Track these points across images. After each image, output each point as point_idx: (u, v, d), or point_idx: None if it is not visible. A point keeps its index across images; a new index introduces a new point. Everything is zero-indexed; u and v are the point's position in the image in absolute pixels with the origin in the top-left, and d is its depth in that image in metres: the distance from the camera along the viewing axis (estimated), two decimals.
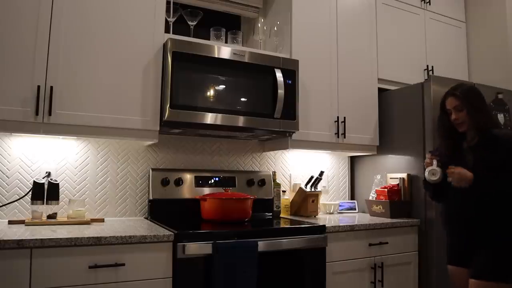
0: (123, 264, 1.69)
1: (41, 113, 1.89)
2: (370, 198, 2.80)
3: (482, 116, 1.87)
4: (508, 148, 1.79)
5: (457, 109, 1.89)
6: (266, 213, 2.67)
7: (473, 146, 1.89)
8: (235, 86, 2.28)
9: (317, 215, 2.69)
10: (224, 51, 2.26)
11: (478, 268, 1.79)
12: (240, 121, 2.26)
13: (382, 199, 2.66)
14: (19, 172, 2.15)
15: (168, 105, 2.08)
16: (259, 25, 2.72)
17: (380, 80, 2.92)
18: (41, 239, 1.56)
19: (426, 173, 1.90)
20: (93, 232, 1.76)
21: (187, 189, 2.45)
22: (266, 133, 2.44)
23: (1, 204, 2.09)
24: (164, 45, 2.18)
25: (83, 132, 2.00)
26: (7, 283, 1.51)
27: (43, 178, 2.13)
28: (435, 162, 1.90)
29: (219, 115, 2.20)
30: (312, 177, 2.72)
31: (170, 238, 1.78)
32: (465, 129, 1.90)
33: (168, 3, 2.30)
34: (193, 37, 2.40)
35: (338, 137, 2.70)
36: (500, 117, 2.71)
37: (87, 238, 1.64)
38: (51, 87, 1.91)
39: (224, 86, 2.26)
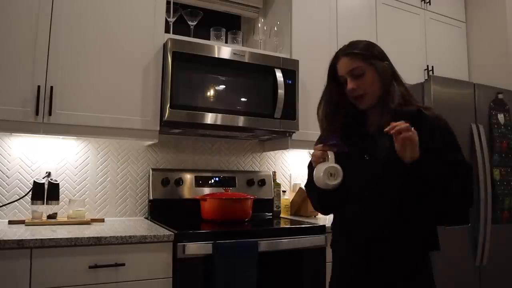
0: (123, 264, 1.69)
1: (41, 113, 1.89)
2: None
3: (396, 83, 1.28)
4: (446, 142, 1.21)
5: (355, 74, 1.26)
6: (266, 213, 2.67)
7: (381, 130, 1.18)
8: (235, 86, 2.28)
9: (317, 215, 2.69)
10: (224, 51, 2.26)
11: None
12: (240, 121, 2.26)
13: None
14: (19, 172, 2.15)
15: (168, 105, 2.08)
16: (259, 25, 2.72)
17: None
18: (41, 239, 1.56)
19: (321, 174, 1.18)
20: (93, 232, 1.76)
21: (187, 189, 2.45)
22: (266, 133, 2.44)
23: (1, 204, 2.09)
24: (164, 45, 2.18)
25: (83, 132, 2.00)
26: (7, 283, 1.51)
27: (43, 178, 2.13)
28: (331, 155, 1.20)
29: (219, 115, 2.20)
30: None
31: (170, 238, 1.78)
32: (369, 104, 1.27)
33: (168, 3, 2.30)
34: (193, 37, 2.40)
35: None
36: (500, 117, 2.71)
37: (87, 238, 1.64)
38: (51, 87, 1.91)
39: (224, 86, 2.26)
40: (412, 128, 1.10)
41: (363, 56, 1.27)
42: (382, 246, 1.21)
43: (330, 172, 1.18)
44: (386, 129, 1.10)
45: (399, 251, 1.20)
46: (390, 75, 1.28)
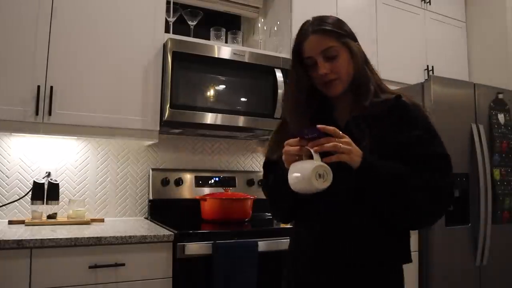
0: (123, 264, 1.69)
1: (41, 113, 1.89)
2: None
3: (368, 67, 1.13)
4: (426, 132, 1.07)
5: (328, 56, 1.07)
6: (266, 213, 2.67)
7: (357, 120, 1.07)
8: (235, 86, 2.28)
9: None
10: (224, 51, 2.26)
11: None
12: (240, 121, 2.26)
13: None
14: (19, 172, 2.15)
15: (168, 105, 2.08)
16: (259, 25, 2.72)
17: None
18: (41, 239, 1.56)
19: (306, 176, 0.93)
20: (93, 232, 1.76)
21: (187, 189, 2.45)
22: (266, 133, 2.44)
23: (1, 204, 2.09)
24: (164, 45, 2.18)
25: (83, 132, 2.00)
26: (7, 283, 1.51)
27: (43, 178, 2.13)
28: (315, 153, 0.96)
29: (219, 115, 2.20)
30: None
31: (170, 238, 1.78)
32: (340, 91, 1.10)
33: (168, 3, 2.30)
34: (193, 37, 2.40)
35: None
36: (500, 117, 2.71)
37: (87, 238, 1.64)
38: (51, 87, 1.91)
39: (224, 86, 2.26)
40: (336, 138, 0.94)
41: (337, 34, 1.08)
42: (357, 272, 1.05)
43: (319, 173, 0.94)
44: (315, 148, 0.94)
45: (374, 274, 1.05)
46: (363, 59, 1.12)
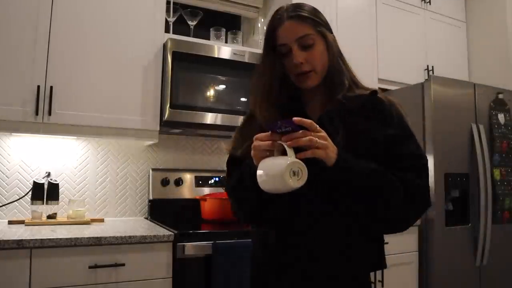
0: (123, 264, 1.69)
1: (41, 113, 1.89)
2: None
3: (342, 61, 1.07)
4: (401, 130, 1.02)
5: (304, 45, 1.00)
6: None
7: (330, 115, 1.01)
8: (235, 86, 2.28)
9: None
10: (224, 51, 2.26)
11: None
12: (240, 121, 2.24)
13: None
14: (19, 172, 2.15)
15: (168, 105, 2.08)
16: (259, 25, 2.71)
17: (380, 80, 2.91)
18: (41, 239, 1.56)
19: (280, 173, 0.84)
20: (93, 232, 1.76)
21: (187, 189, 2.45)
22: None
23: (1, 204, 2.09)
24: (164, 45, 2.18)
25: (83, 132, 2.00)
26: (7, 283, 1.51)
27: (43, 178, 2.13)
28: (289, 148, 0.87)
29: (219, 115, 2.20)
30: None
31: (170, 238, 1.78)
32: (314, 84, 1.04)
33: (168, 3, 2.30)
34: (193, 37, 2.40)
35: None
36: (500, 117, 2.71)
37: (87, 238, 1.64)
38: (51, 87, 1.91)
39: (224, 86, 2.26)
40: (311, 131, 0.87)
41: (314, 22, 1.01)
42: (332, 283, 0.99)
43: (293, 170, 0.84)
44: (288, 142, 0.86)
45: (349, 284, 1.02)
46: (338, 51, 1.06)
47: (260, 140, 0.90)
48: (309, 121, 0.86)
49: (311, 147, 0.86)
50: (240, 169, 1.02)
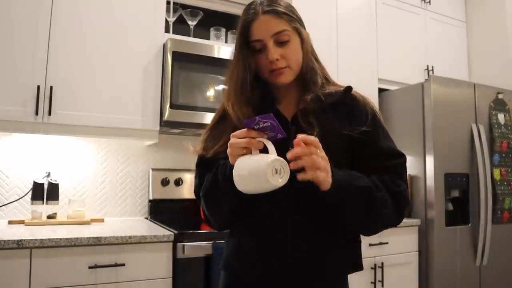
0: (123, 264, 1.69)
1: (41, 113, 1.89)
2: None
3: (314, 59, 1.06)
4: (376, 127, 1.02)
5: (280, 41, 0.97)
6: None
7: (304, 112, 0.99)
8: None
9: None
10: (224, 51, 2.26)
11: None
12: None
13: None
14: (19, 172, 2.15)
15: (168, 105, 2.08)
16: None
17: (380, 80, 2.92)
18: (41, 239, 1.56)
19: (261, 172, 0.80)
20: (93, 232, 1.76)
21: (187, 189, 2.44)
22: None
23: (1, 204, 2.09)
24: (164, 45, 2.18)
25: (83, 132, 2.00)
26: (7, 283, 1.51)
27: (43, 178, 2.13)
28: (270, 144, 0.84)
29: None
30: None
31: (170, 238, 1.78)
32: (287, 82, 1.01)
33: (168, 3, 2.30)
34: (193, 37, 2.40)
35: None
36: (500, 117, 2.71)
37: (87, 238, 1.64)
38: (51, 87, 1.91)
39: (224, 86, 2.26)
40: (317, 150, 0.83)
41: (289, 18, 0.99)
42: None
43: (276, 168, 0.80)
44: (289, 155, 0.81)
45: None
46: (311, 48, 1.05)
47: (237, 138, 0.85)
48: (313, 138, 0.83)
49: (312, 168, 0.82)
50: (213, 171, 0.98)
